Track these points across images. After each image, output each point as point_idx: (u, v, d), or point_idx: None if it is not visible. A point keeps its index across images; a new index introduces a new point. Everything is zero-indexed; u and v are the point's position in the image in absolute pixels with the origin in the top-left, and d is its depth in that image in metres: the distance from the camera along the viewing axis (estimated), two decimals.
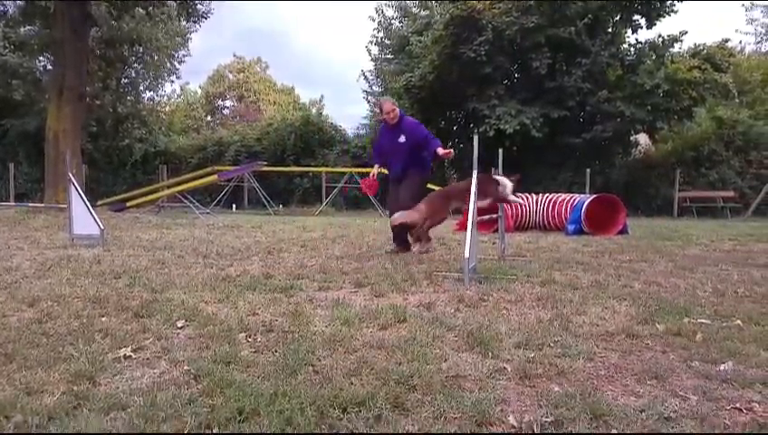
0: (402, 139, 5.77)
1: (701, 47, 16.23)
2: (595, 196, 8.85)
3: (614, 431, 1.69)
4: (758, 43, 27.36)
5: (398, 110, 5.83)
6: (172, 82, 24.91)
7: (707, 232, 8.92)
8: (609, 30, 16.29)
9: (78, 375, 2.09)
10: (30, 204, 13.21)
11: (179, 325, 2.86)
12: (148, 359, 2.35)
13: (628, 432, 1.69)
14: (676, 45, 16.17)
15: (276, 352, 2.41)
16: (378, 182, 6.35)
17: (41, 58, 19.59)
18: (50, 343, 2.52)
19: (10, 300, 3.38)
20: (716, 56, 15.72)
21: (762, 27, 25.80)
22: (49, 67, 18.30)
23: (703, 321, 2.96)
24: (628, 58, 16.39)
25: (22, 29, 18.23)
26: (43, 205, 12.02)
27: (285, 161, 18.71)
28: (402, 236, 5.98)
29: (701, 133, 16.65)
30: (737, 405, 1.89)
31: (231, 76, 40.04)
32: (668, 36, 15.92)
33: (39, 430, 1.68)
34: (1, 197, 16.31)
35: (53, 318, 2.96)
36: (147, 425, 1.70)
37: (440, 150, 5.60)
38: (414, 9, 19.90)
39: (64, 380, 2.06)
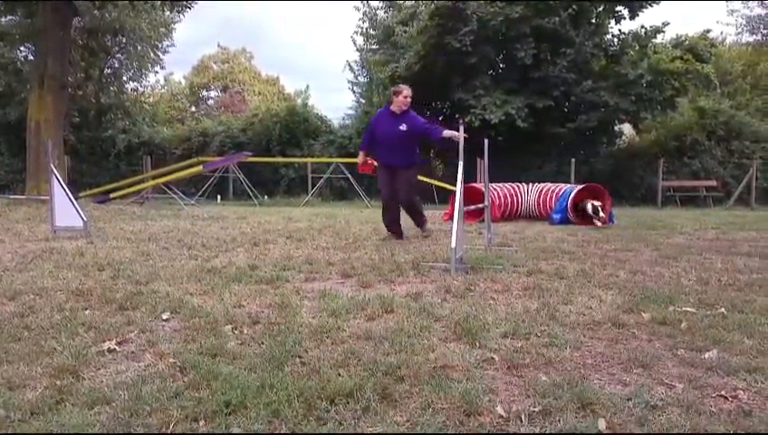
0: (404, 127, 5.90)
1: (683, 38, 16.38)
2: (582, 186, 8.90)
3: (601, 420, 1.69)
4: (739, 33, 27.73)
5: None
6: (156, 72, 24.52)
7: (691, 221, 9.05)
8: (593, 20, 16.34)
9: (61, 369, 2.06)
10: (11, 196, 12.96)
11: (164, 317, 2.84)
12: (132, 352, 2.32)
13: (615, 421, 1.70)
14: (659, 36, 16.31)
15: (263, 344, 2.40)
16: (373, 163, 6.49)
17: (22, 48, 19.21)
18: (32, 336, 2.49)
19: None
20: (698, 47, 15.86)
21: (742, 18, 26.11)
22: (30, 57, 17.96)
23: (688, 309, 2.99)
24: (611, 48, 16.50)
25: (2, 19, 17.84)
26: (24, 196, 11.82)
27: (271, 152, 18.55)
28: (396, 224, 6.17)
29: (684, 123, 16.81)
30: (722, 393, 1.91)
31: (215, 67, 39.53)
32: (651, 27, 16.04)
33: (21, 426, 1.65)
34: None
35: (35, 311, 2.91)
36: (132, 419, 1.68)
37: (446, 133, 5.64)
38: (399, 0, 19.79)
39: (47, 374, 2.03)
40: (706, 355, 2.28)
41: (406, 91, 6.00)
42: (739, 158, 16.13)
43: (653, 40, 16.25)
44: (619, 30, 16.56)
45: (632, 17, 16.12)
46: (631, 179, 16.43)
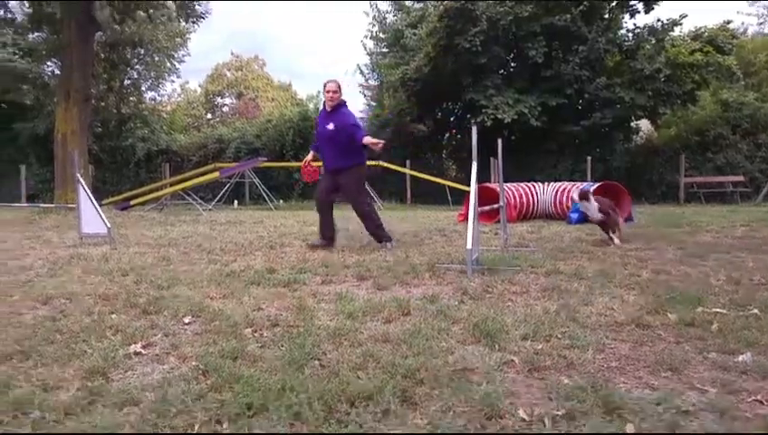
0: (331, 126, 5.60)
1: (702, 30, 16.06)
2: (599, 184, 8.79)
3: (629, 426, 1.65)
4: (761, 23, 27.14)
5: (339, 94, 5.63)
6: (172, 81, 25.06)
7: (717, 218, 8.79)
8: (606, 16, 16.13)
9: (92, 371, 2.12)
10: (41, 204, 13.29)
11: (186, 321, 2.88)
12: (157, 355, 2.37)
13: (644, 426, 1.66)
14: (676, 29, 16.00)
15: (282, 346, 2.42)
16: (317, 169, 6.21)
17: (48, 63, 19.90)
18: (64, 339, 2.56)
19: (25, 298, 3.43)
20: (718, 38, 15.56)
21: (764, 8, 25.53)
22: (56, 71, 18.53)
23: (718, 310, 2.89)
24: (626, 43, 16.25)
25: (30, 36, 18.57)
26: (53, 205, 12.10)
27: (285, 157, 18.70)
28: (330, 232, 5.81)
29: (706, 117, 16.38)
30: (758, 397, 1.85)
31: (229, 74, 39.94)
32: (668, 20, 15.76)
33: (56, 427, 1.70)
34: (13, 197, 16.43)
35: (66, 315, 2.99)
36: (159, 420, 1.72)
37: (366, 139, 5.46)
38: (408, 2, 19.77)
39: (79, 376, 2.09)
40: (740, 358, 2.21)
41: (329, 84, 5.62)
42: (767, 151, 15.70)
43: (670, 33, 15.95)
44: (634, 24, 16.34)
45: (647, 11, 15.88)
46: (651, 177, 16.15)
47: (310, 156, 6.09)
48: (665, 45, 15.76)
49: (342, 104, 5.66)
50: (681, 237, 6.26)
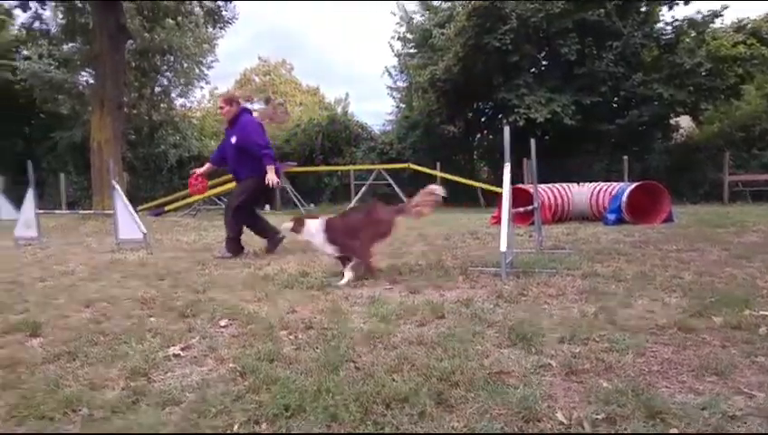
0: (234, 139, 5.57)
1: (745, 21, 15.52)
2: (637, 184, 8.58)
3: (673, 431, 1.62)
4: None
5: (232, 108, 5.57)
6: (202, 87, 25.48)
7: (764, 217, 8.37)
8: (642, 9, 15.71)
9: (134, 372, 2.20)
10: (80, 211, 13.75)
11: (222, 324, 2.93)
12: (195, 357, 2.42)
13: (689, 432, 1.62)
14: (718, 20, 15.50)
15: (317, 348, 2.44)
16: (206, 181, 6.13)
17: (83, 73, 20.39)
18: (106, 341, 2.65)
19: (70, 301, 3.57)
20: (763, 30, 15.00)
21: None
22: (90, 81, 19.02)
23: (766, 313, 2.78)
24: (664, 37, 15.81)
25: (64, 46, 19.09)
26: (91, 211, 12.50)
27: (314, 161, 18.87)
28: (238, 244, 5.73)
29: (751, 112, 15.70)
30: None
31: (257, 79, 40.55)
32: (708, 11, 15.25)
33: (103, 425, 1.75)
34: (54, 205, 17.08)
35: (108, 318, 3.11)
36: (200, 420, 1.76)
37: (269, 174, 5.46)
38: (435, 2, 19.68)
39: (123, 376, 2.17)
40: None
41: (219, 100, 5.71)
42: None
43: (711, 25, 15.44)
44: (673, 17, 15.90)
45: (686, 2, 15.36)
46: (692, 175, 15.56)
47: (206, 168, 6.01)
48: (705, 38, 15.27)
49: (241, 114, 5.63)
50: (726, 238, 6.00)
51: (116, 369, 2.24)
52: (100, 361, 2.35)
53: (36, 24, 16.96)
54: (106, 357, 2.39)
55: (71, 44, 18.78)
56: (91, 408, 1.87)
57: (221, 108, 5.63)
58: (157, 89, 22.46)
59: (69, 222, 11.20)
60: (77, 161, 19.79)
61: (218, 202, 14.13)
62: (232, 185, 14.54)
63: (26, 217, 7.59)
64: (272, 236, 5.81)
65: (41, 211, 7.84)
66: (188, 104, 25.89)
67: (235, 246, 5.67)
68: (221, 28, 19.02)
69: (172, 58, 21.46)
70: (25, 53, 19.64)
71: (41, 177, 19.70)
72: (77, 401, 1.92)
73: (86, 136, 16.16)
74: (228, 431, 1.70)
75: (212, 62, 23.55)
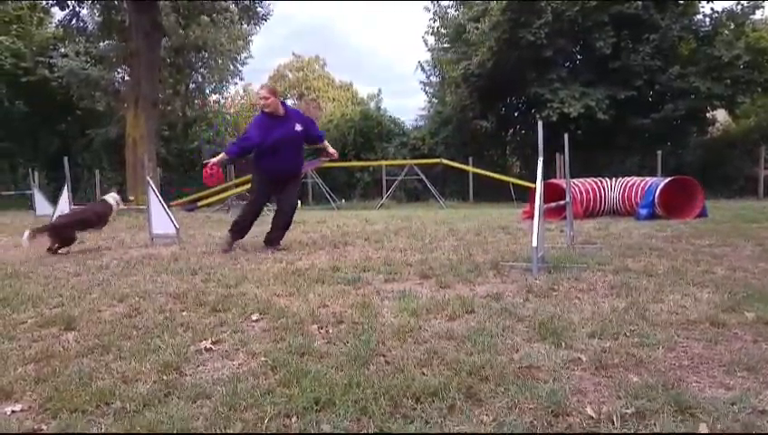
0: (299, 127, 5.50)
1: None
2: (670, 179, 8.39)
3: (702, 426, 1.61)
4: None
5: (276, 99, 5.47)
6: (236, 83, 25.74)
7: None
8: (681, 1, 15.32)
9: (166, 365, 2.23)
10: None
11: (254, 318, 2.98)
12: (226, 351, 2.46)
13: (719, 427, 1.60)
14: (758, 12, 15.07)
15: (348, 342, 2.46)
16: (221, 170, 5.80)
17: (119, 70, 20.76)
18: (139, 335, 2.70)
19: (103, 296, 3.64)
20: None
21: None
22: (126, 78, 19.40)
23: None
24: (702, 29, 15.40)
25: (101, 44, 19.44)
26: (125, 207, 12.82)
27: (346, 156, 18.95)
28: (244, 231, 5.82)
29: None
30: None
31: (290, 75, 40.84)
32: (748, 3, 14.77)
33: (136, 417, 1.81)
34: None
35: (141, 312, 3.16)
36: (231, 413, 1.79)
37: (330, 149, 5.71)
38: None
39: (155, 369, 2.20)
40: None
41: (261, 91, 5.67)
42: None
43: (751, 17, 14.98)
44: (711, 9, 15.54)
45: None
46: (727, 170, 15.18)
47: (222, 157, 5.57)
48: (745, 30, 14.78)
49: (286, 104, 5.66)
50: (760, 233, 5.88)
51: (148, 363, 2.27)
52: (132, 354, 2.38)
53: (73, 22, 17.33)
54: (138, 351, 2.42)
55: (107, 42, 19.10)
56: (124, 401, 1.90)
57: (266, 98, 5.47)
58: (191, 85, 22.79)
59: None
60: (111, 158, 20.22)
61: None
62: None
63: (62, 213, 7.77)
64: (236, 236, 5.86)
65: (76, 207, 8.01)
66: (222, 100, 26.26)
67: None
68: (255, 24, 19.22)
69: (206, 55, 21.71)
70: (62, 50, 20.00)
71: (76, 173, 20.20)
72: (110, 394, 1.95)
73: (121, 133, 16.51)
74: (259, 425, 1.71)
75: (246, 58, 23.77)
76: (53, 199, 8.24)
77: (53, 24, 20.90)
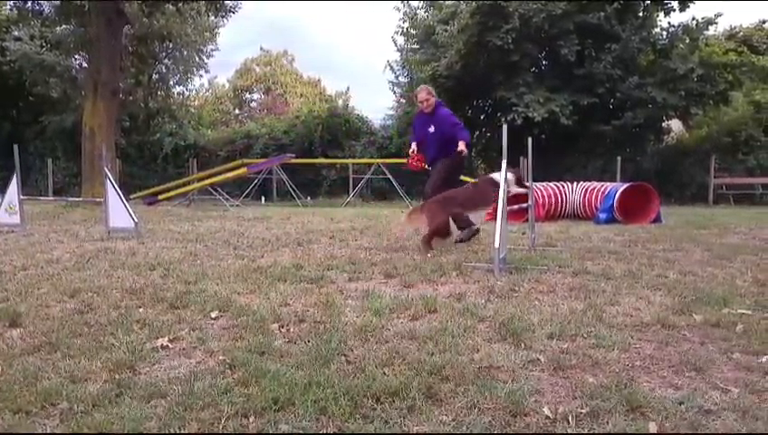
0: (432, 129, 5.84)
1: (737, 29, 15.70)
2: (628, 184, 8.66)
3: (651, 425, 1.66)
4: None
5: (433, 99, 5.89)
6: (201, 76, 25.15)
7: (746, 220, 8.66)
8: (640, 14, 15.85)
9: (119, 364, 2.16)
10: (68, 198, 13.55)
11: (213, 316, 2.92)
12: (184, 349, 2.40)
13: (667, 426, 1.66)
14: (711, 28, 15.67)
15: (309, 342, 2.44)
16: (422, 156, 6.18)
17: (76, 56, 19.95)
18: (91, 332, 2.61)
19: (53, 291, 3.49)
20: (754, 38, 15.19)
21: None
22: (84, 65, 18.68)
23: (743, 311, 2.88)
24: (660, 42, 15.97)
25: (58, 28, 18.58)
26: (80, 199, 12.34)
27: (313, 153, 18.81)
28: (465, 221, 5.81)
29: (738, 118, 16.06)
30: None
31: (258, 69, 40.26)
32: (703, 19, 15.41)
33: (84, 418, 1.74)
34: (40, 191, 16.82)
35: (94, 309, 3.05)
36: (185, 413, 1.75)
37: (461, 146, 5.60)
38: None
39: (106, 368, 2.13)
40: (764, 359, 2.20)
41: (420, 94, 5.99)
42: None
43: (705, 32, 15.62)
44: (669, 23, 16.04)
45: (682, 9, 15.55)
46: (680, 178, 15.85)
47: (414, 146, 6.13)
48: (699, 45, 15.41)
49: (438, 106, 5.93)
50: (709, 239, 6.16)
51: (99, 361, 2.19)
52: (82, 353, 2.29)
53: (29, 5, 16.57)
54: (89, 349, 2.34)
55: (64, 26, 18.35)
56: (71, 401, 1.82)
57: (426, 100, 5.84)
58: (154, 76, 22.19)
59: (56, 209, 10.99)
60: (66, 147, 19.53)
61: (213, 193, 14.08)
62: (229, 175, 14.56)
63: (10, 203, 7.43)
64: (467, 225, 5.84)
65: (25, 197, 7.65)
66: (186, 92, 25.65)
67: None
68: (223, 17, 18.82)
69: (171, 45, 21.16)
70: (16, 33, 19.06)
71: (27, 161, 19.40)
72: (56, 394, 1.87)
73: (77, 121, 15.84)
74: (215, 425, 1.68)
75: (212, 50, 23.23)
76: (1, 189, 7.83)
77: (8, 7, 19.98)
